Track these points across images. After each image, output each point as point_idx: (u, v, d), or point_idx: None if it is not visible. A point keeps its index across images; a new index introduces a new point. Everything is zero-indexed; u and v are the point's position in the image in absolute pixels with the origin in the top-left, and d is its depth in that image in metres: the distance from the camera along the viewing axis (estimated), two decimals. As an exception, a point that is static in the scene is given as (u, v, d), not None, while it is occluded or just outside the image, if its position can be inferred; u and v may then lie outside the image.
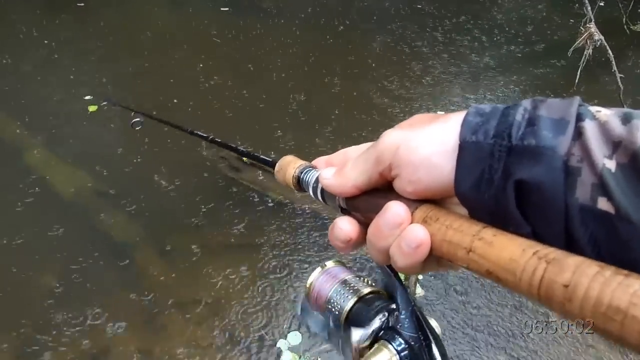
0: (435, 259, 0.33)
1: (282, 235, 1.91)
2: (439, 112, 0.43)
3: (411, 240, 0.31)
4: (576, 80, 2.82)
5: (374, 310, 0.40)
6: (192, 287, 1.70)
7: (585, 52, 2.67)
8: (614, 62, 2.57)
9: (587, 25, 2.60)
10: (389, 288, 0.42)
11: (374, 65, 3.04)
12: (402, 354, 0.38)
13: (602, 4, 3.60)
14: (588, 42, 2.59)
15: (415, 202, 0.33)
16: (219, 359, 1.52)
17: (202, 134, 0.79)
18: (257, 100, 2.62)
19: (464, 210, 0.32)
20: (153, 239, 1.86)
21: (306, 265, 1.80)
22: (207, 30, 3.21)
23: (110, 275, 1.72)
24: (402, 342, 0.38)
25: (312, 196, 0.43)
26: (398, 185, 0.34)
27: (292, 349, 1.55)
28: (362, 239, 0.37)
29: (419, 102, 2.77)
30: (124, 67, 2.79)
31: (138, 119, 1.13)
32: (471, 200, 0.31)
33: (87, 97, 2.53)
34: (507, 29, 3.59)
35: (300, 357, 1.53)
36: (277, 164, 0.47)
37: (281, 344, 1.56)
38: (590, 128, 0.27)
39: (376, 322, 0.40)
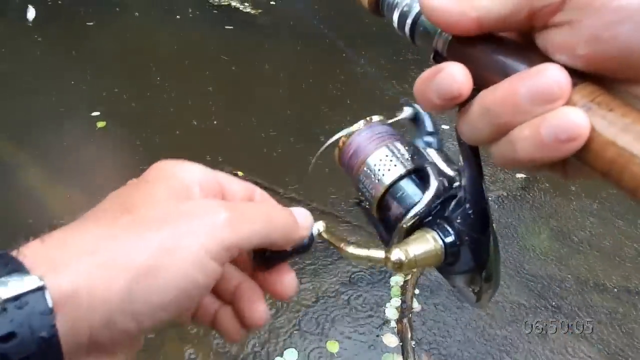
0: (565, 164, 0.24)
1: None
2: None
3: (565, 127, 0.21)
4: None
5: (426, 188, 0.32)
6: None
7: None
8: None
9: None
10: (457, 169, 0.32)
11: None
12: (450, 250, 0.30)
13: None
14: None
15: (576, 75, 0.22)
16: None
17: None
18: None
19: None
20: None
21: (303, 280, 1.79)
22: (212, 49, 3.26)
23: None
24: (455, 237, 0.30)
25: (396, 28, 0.29)
26: (560, 38, 0.22)
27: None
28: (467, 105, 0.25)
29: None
30: (130, 85, 2.82)
31: None
32: None
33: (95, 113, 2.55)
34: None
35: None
36: None
37: (277, 361, 1.54)
38: None
39: (424, 201, 0.31)
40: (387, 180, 0.34)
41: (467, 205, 0.30)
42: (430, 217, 0.32)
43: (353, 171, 0.37)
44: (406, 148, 0.35)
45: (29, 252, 0.22)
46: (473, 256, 0.30)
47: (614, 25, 0.20)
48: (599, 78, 0.22)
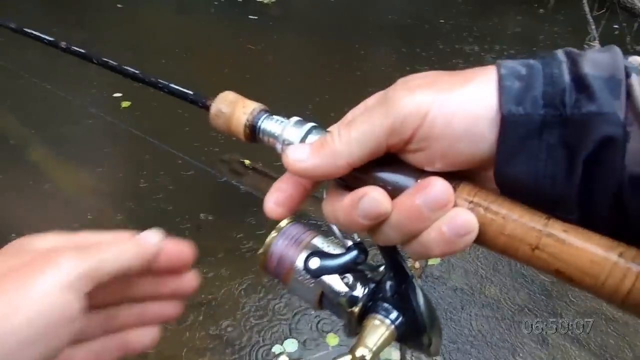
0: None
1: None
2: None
3: (459, 226, 0.26)
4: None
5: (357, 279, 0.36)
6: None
7: None
8: None
9: (591, 43, 2.63)
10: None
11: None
12: (397, 322, 0.34)
13: (610, 24, 3.64)
14: None
15: (452, 178, 0.27)
16: (213, 363, 1.51)
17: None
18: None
19: (494, 186, 0.27)
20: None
21: (304, 272, 1.80)
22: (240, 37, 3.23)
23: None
24: (397, 312, 0.34)
25: (280, 152, 0.32)
26: (418, 159, 0.27)
27: (287, 354, 1.54)
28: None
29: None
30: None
31: None
32: (513, 182, 0.26)
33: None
34: (509, 50, 3.62)
35: (295, 364, 1.52)
36: (213, 103, 0.34)
37: (276, 349, 1.55)
38: (637, 84, 0.24)
39: (359, 289, 0.36)
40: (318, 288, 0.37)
41: (397, 284, 0.35)
42: (371, 303, 0.35)
43: (285, 279, 0.39)
44: (325, 240, 0.39)
45: None
46: (412, 327, 0.35)
47: (453, 146, 0.26)
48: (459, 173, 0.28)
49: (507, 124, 0.25)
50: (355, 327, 0.36)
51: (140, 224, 1.89)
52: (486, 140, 0.26)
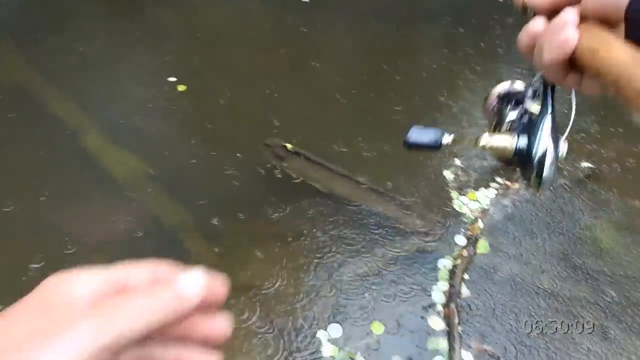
0: (577, 77, 0.39)
1: (327, 226, 1.90)
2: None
3: (560, 35, 0.37)
4: None
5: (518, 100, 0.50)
6: (234, 276, 1.73)
7: None
8: None
9: None
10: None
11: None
12: (519, 149, 0.45)
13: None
14: None
15: (588, 22, 0.37)
16: (254, 344, 1.53)
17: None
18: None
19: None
20: (201, 226, 1.90)
21: (350, 258, 1.78)
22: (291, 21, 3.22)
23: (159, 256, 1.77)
24: (525, 141, 0.45)
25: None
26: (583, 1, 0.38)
27: (331, 341, 1.54)
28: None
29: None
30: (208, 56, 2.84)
31: None
32: (635, 20, 0.34)
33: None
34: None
35: (339, 350, 1.52)
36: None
37: (321, 334, 1.55)
38: None
39: (513, 114, 0.49)
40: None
41: (540, 117, 0.46)
42: (519, 128, 0.47)
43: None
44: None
45: None
46: (526, 153, 0.46)
47: None
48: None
49: None
50: (494, 130, 0.50)
51: (187, 207, 1.94)
52: None
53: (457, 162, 2.21)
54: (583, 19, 0.38)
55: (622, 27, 0.36)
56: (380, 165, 2.16)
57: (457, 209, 1.98)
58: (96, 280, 0.31)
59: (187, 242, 1.84)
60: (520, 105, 0.49)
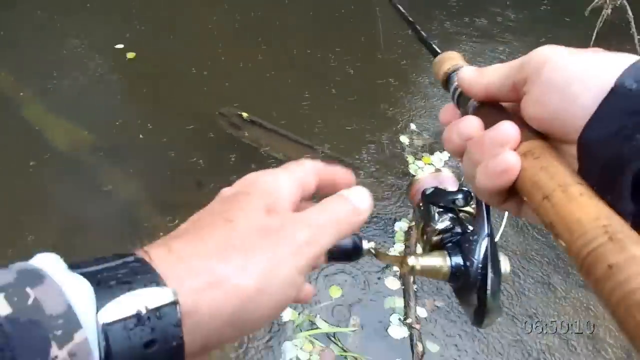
0: (516, 203, 0.32)
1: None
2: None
3: (500, 162, 0.30)
4: (591, 43, 2.71)
5: (447, 211, 0.41)
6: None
7: (603, 12, 2.55)
8: (633, 24, 2.46)
9: (608, -18, 2.49)
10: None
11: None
12: (454, 269, 0.37)
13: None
14: (608, 1, 2.47)
15: (531, 134, 0.31)
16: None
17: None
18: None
19: (573, 163, 0.29)
20: (154, 198, 1.85)
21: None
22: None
23: (115, 233, 1.73)
24: (461, 262, 0.37)
25: (451, 98, 0.40)
26: (524, 104, 0.31)
27: (291, 305, 1.56)
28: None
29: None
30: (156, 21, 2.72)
31: None
32: (591, 151, 0.27)
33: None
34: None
35: (299, 314, 1.54)
36: (438, 56, 0.44)
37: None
38: None
39: (444, 223, 0.40)
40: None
41: (475, 236, 0.38)
42: (450, 244, 0.39)
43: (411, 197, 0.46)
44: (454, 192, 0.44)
45: (157, 261, 0.24)
46: (476, 286, 0.37)
47: (546, 93, 0.29)
48: (550, 139, 0.30)
49: (613, 94, 0.26)
50: (425, 246, 0.41)
51: (141, 180, 1.89)
52: (580, 105, 0.28)
53: (413, 126, 2.23)
54: (523, 127, 0.31)
55: (571, 148, 0.29)
56: (338, 133, 2.16)
57: (413, 172, 2.02)
58: (291, 182, 0.32)
59: (140, 214, 1.79)
60: (450, 214, 0.41)
